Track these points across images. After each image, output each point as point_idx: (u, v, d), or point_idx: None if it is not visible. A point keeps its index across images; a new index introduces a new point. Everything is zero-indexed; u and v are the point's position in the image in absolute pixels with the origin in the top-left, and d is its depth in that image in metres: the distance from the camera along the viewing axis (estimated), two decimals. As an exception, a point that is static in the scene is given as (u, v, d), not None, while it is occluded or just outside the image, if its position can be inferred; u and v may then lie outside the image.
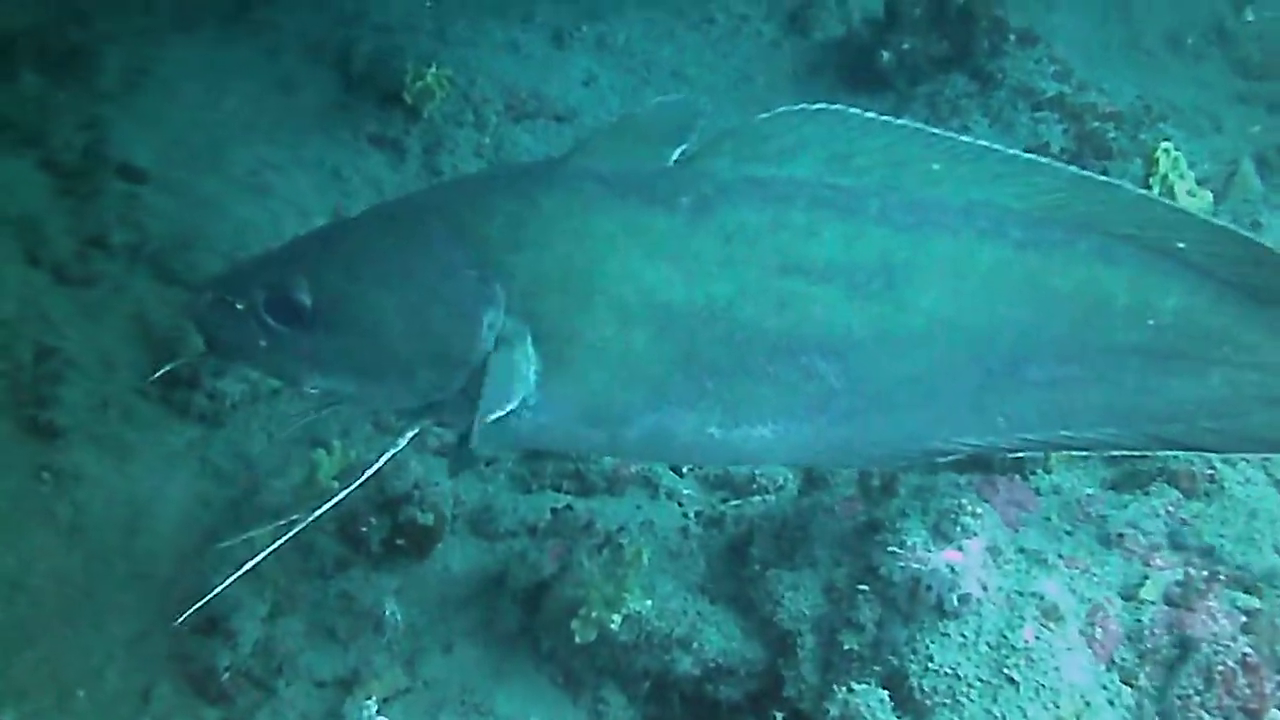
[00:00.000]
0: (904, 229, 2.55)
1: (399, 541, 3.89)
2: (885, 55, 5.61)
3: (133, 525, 4.20)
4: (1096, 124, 5.26)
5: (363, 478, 2.67)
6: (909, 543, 3.08)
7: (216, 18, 5.96)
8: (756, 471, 4.16)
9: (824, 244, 2.53)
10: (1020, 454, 2.82)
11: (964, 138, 2.62)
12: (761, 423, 2.62)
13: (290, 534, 2.60)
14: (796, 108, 2.56)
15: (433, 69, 5.44)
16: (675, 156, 2.59)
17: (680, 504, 4.17)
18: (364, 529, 3.89)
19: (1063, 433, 2.72)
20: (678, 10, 6.23)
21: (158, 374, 4.07)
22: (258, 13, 5.99)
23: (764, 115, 2.58)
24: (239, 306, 2.55)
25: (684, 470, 4.31)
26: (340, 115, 5.56)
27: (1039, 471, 3.52)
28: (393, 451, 2.65)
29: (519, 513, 4.08)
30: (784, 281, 2.52)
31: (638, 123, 2.63)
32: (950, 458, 2.75)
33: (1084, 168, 4.91)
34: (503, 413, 2.55)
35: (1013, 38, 5.54)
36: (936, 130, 2.62)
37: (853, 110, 2.57)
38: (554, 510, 3.94)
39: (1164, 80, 6.06)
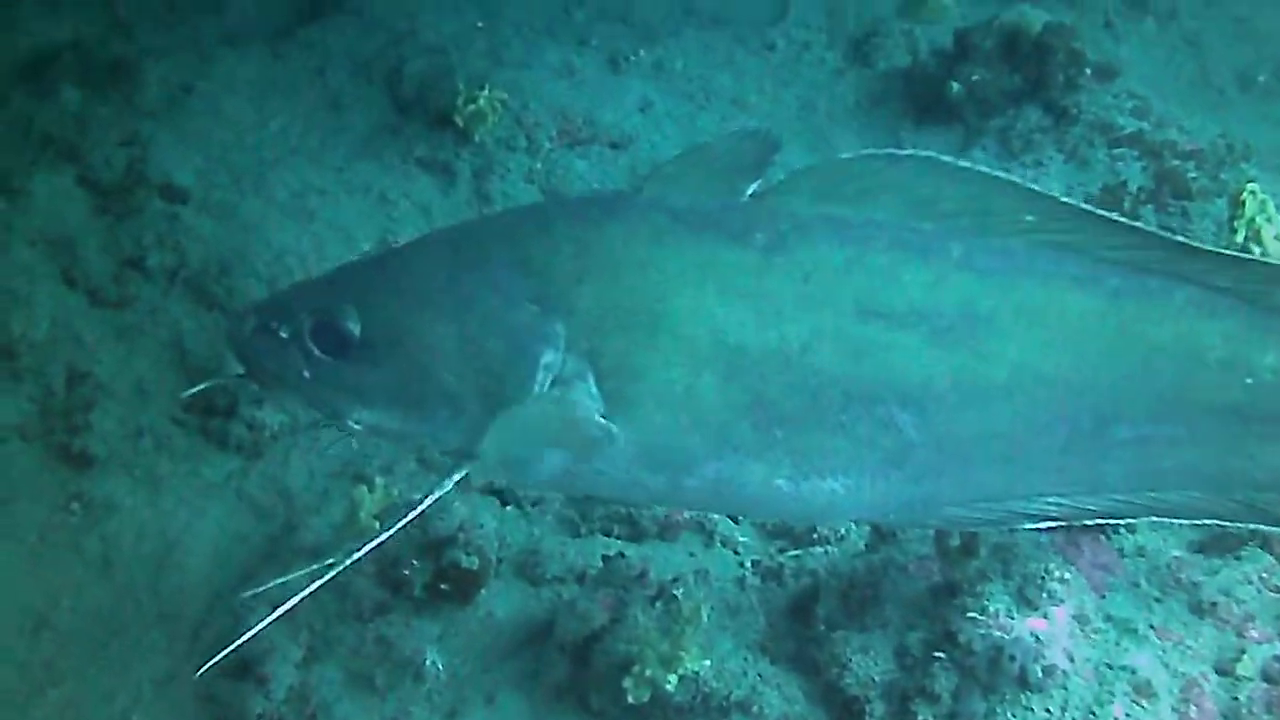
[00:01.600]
0: (989, 274, 2.45)
1: (442, 586, 3.76)
2: (954, 87, 5.44)
3: (164, 561, 4.14)
4: (1176, 162, 5.08)
5: (405, 519, 2.56)
6: (991, 608, 2.94)
7: (266, 34, 5.84)
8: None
9: (904, 288, 2.44)
10: (1105, 519, 2.67)
11: (1062, 197, 2.51)
12: (832, 476, 2.51)
13: (327, 577, 2.50)
14: (883, 151, 2.52)
15: (485, 91, 5.29)
16: (750, 190, 2.50)
17: (736, 552, 4.02)
18: (405, 572, 3.76)
19: (1150, 495, 2.60)
20: (737, 36, 6.08)
21: (190, 393, 4.04)
22: (308, 30, 5.85)
23: (847, 155, 2.52)
24: (282, 334, 2.45)
25: (739, 516, 4.13)
26: (389, 138, 5.42)
27: (1122, 530, 3.35)
28: (438, 493, 2.54)
29: (567, 557, 3.93)
30: (862, 326, 2.42)
31: (711, 153, 2.56)
32: (1031, 522, 2.62)
33: (1163, 207, 4.80)
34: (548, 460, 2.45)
35: (1089, 71, 5.35)
36: (1033, 186, 2.52)
37: (944, 158, 2.49)
38: (605, 558, 3.78)
39: (1237, 118, 5.86)
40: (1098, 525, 3.28)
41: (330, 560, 2.52)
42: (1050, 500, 2.58)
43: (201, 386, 3.80)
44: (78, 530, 4.17)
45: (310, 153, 5.33)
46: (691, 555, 3.94)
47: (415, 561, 3.76)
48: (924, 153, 2.51)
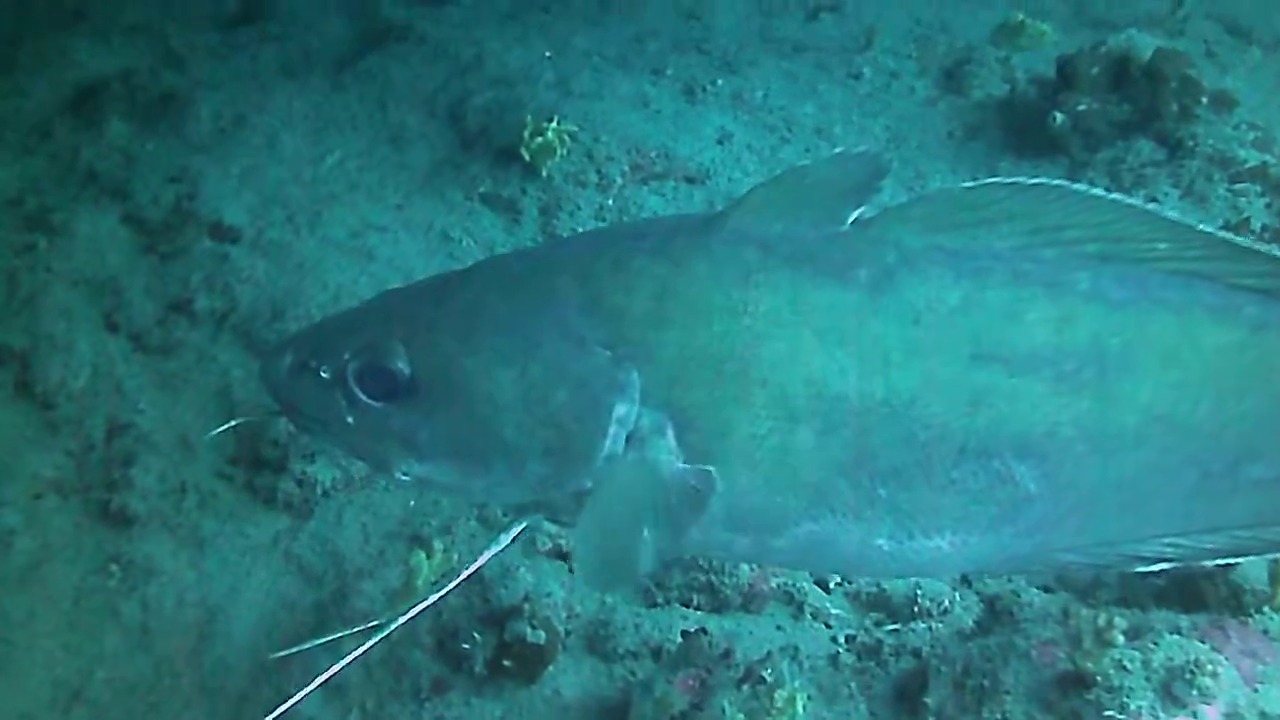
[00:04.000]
0: (1119, 307, 2.23)
1: (505, 662, 3.56)
2: (1058, 118, 5.13)
3: (206, 629, 3.92)
4: (1304, 199, 4.74)
5: (459, 580, 2.39)
6: (1133, 706, 2.72)
7: (325, 65, 5.62)
8: (918, 591, 3.70)
9: (1027, 327, 2.21)
10: (1225, 558, 2.43)
11: (1202, 225, 2.28)
12: (939, 534, 2.29)
13: (373, 641, 2.29)
14: (1007, 179, 2.24)
15: (553, 123, 5.03)
16: (853, 219, 2.24)
17: (828, 625, 3.77)
18: (465, 646, 3.58)
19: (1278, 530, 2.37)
20: (821, 64, 5.82)
21: (218, 431, 3.87)
22: (369, 61, 5.64)
23: (966, 185, 2.26)
24: (323, 374, 2.24)
25: (831, 584, 3.83)
26: (452, 173, 5.16)
27: (1266, 610, 3.10)
28: (493, 550, 2.34)
29: (641, 630, 3.69)
30: (979, 373, 2.20)
31: (810, 177, 2.28)
32: (1145, 565, 2.38)
33: (1290, 247, 4.44)
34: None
35: (1205, 100, 5.00)
36: (1171, 213, 2.29)
37: (1075, 185, 2.23)
38: (685, 632, 3.53)
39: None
40: (1234, 599, 3.13)
41: (376, 622, 2.33)
42: (1168, 541, 2.36)
43: (231, 424, 3.64)
44: (115, 595, 3.96)
45: (369, 189, 5.10)
46: (779, 629, 3.72)
47: (476, 634, 3.58)
48: (1053, 181, 2.25)
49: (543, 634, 3.53)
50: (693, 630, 3.51)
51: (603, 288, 2.22)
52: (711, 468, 2.21)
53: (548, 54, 5.66)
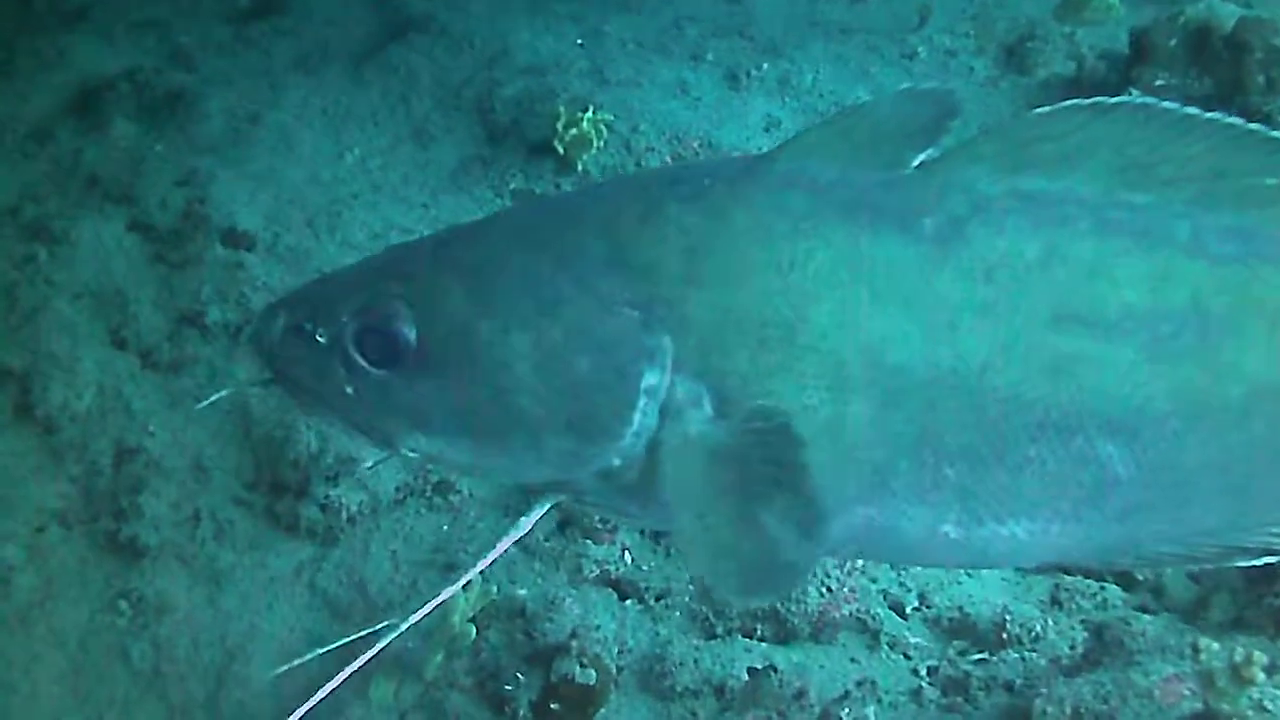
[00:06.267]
0: (1224, 262, 2.00)
1: (552, 705, 3.33)
2: (1133, 95, 4.77)
3: (224, 672, 3.65)
4: (1404, 176, 4.38)
5: (471, 573, 2.21)
6: None
7: (344, 58, 5.32)
8: (1006, 615, 3.39)
9: (1117, 285, 1.98)
10: None
11: None
12: (1014, 520, 2.04)
13: (379, 647, 2.12)
14: (1086, 101, 1.99)
15: (589, 113, 4.73)
16: (918, 162, 2.00)
17: (907, 656, 3.50)
18: (508, 687, 3.36)
19: None
20: (871, 45, 5.51)
21: (206, 403, 3.65)
22: (390, 52, 5.32)
23: (1041, 110, 2.00)
24: (320, 338, 2.01)
25: (908, 608, 3.52)
26: (480, 169, 4.85)
27: None
28: (513, 536, 2.11)
29: (701, 665, 3.43)
30: (1060, 337, 1.97)
31: (869, 116, 2.05)
32: (1249, 558, 2.13)
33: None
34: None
35: (1294, 72, 4.68)
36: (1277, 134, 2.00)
37: (1164, 104, 1.98)
38: (751, 670, 3.24)
39: None
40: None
41: (387, 622, 2.14)
42: (1276, 531, 2.12)
43: (220, 394, 3.52)
44: (125, 634, 3.69)
45: (393, 188, 4.80)
46: (854, 661, 3.45)
47: (519, 675, 3.37)
48: (1138, 99, 2.00)
49: (593, 672, 3.31)
50: (760, 666, 3.26)
51: (631, 240, 1.98)
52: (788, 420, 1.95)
53: (580, 41, 5.35)
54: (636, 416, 1.96)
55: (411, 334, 1.98)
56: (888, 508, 2.02)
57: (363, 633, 2.23)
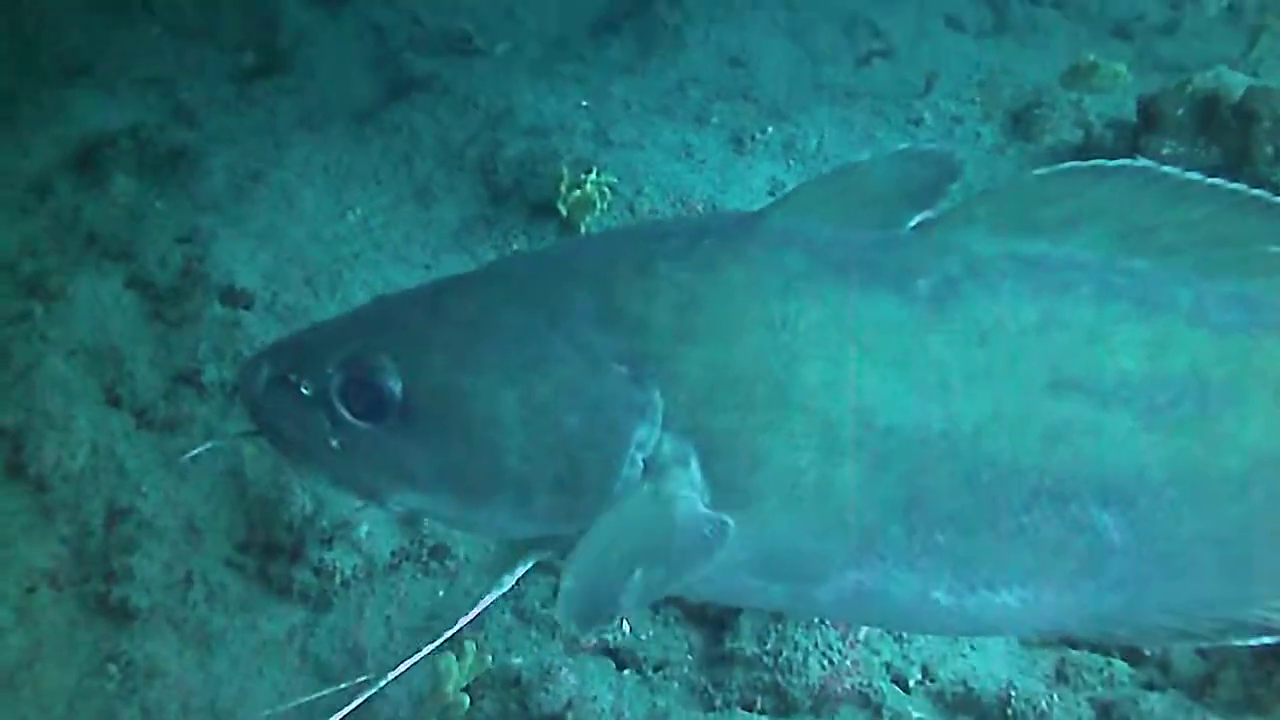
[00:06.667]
0: (1226, 331, 1.98)
1: None
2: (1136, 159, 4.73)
3: None
4: None
5: (455, 628, 2.26)
6: None
7: (346, 118, 5.27)
8: (1011, 690, 3.32)
9: (1114, 351, 1.96)
10: None
11: None
12: (1006, 588, 2.01)
13: (360, 700, 2.24)
14: (1086, 164, 1.99)
15: (592, 175, 4.68)
16: (915, 222, 1.98)
17: None
18: None
19: None
20: (876, 110, 5.48)
21: (192, 454, 3.56)
22: (392, 111, 5.28)
23: (1040, 172, 1.99)
24: (304, 389, 1.98)
25: (911, 682, 3.44)
26: (483, 229, 4.80)
27: None
28: (495, 594, 2.19)
29: None
30: (1057, 403, 1.94)
31: (866, 174, 2.04)
32: (1252, 637, 2.07)
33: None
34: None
35: (1302, 142, 4.64)
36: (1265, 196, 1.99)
37: (1166, 169, 1.98)
38: None
39: None
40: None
41: (364, 678, 2.26)
42: (1275, 606, 2.06)
43: (205, 446, 3.47)
44: (114, 699, 3.56)
45: (394, 247, 4.73)
46: None
47: None
48: (1139, 162, 1.99)
49: None
50: (760, 741, 3.16)
51: (621, 295, 1.95)
52: (729, 519, 1.93)
53: (584, 103, 5.32)
54: (624, 471, 1.93)
55: (397, 387, 1.94)
56: (878, 573, 1.98)
57: (342, 685, 2.20)
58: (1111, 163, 1.98)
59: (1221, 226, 1.98)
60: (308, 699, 2.39)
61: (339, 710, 2.08)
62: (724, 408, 1.93)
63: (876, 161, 2.06)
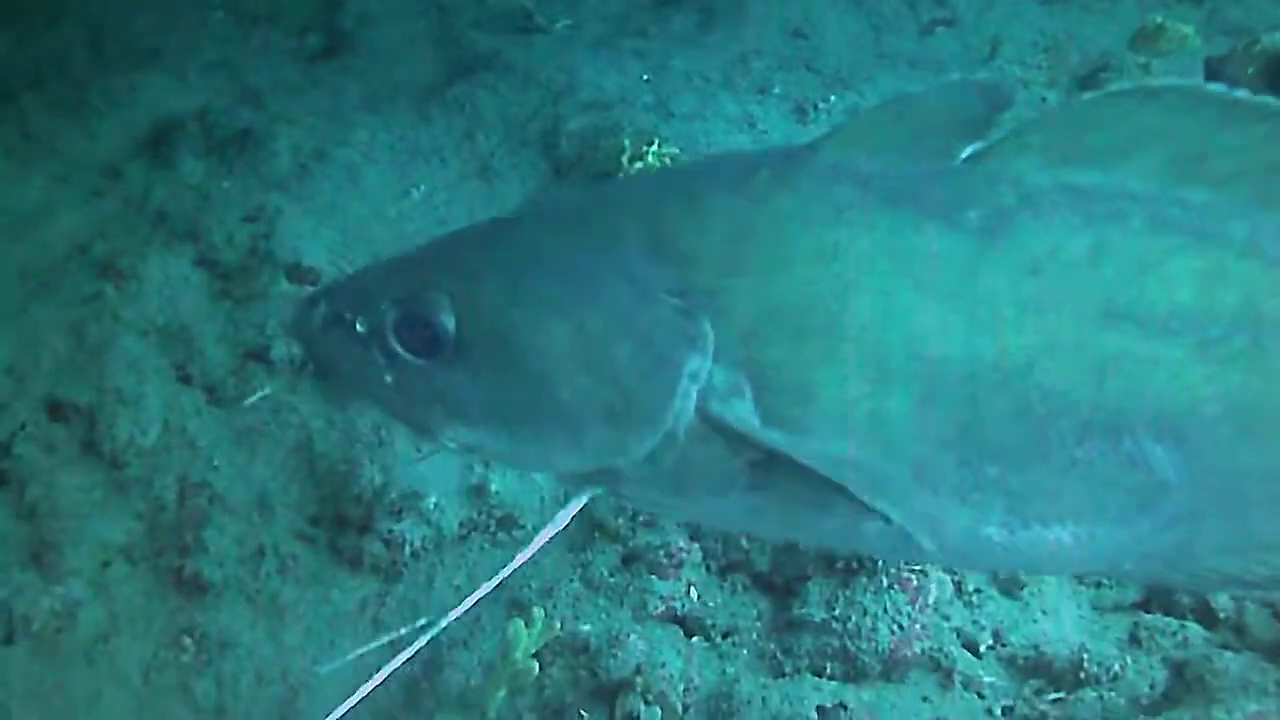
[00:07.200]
0: (1279, 264, 1.92)
1: None
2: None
3: (288, 708, 3.60)
4: None
5: (512, 567, 2.28)
6: None
7: (409, 97, 5.29)
8: (1083, 654, 3.28)
9: (1167, 283, 1.91)
10: None
11: None
12: (1060, 523, 1.97)
13: (420, 644, 2.19)
14: (1133, 85, 1.94)
15: (654, 147, 4.67)
16: (966, 154, 1.94)
17: (981, 695, 3.38)
18: None
19: None
20: (943, 72, 5.38)
21: (252, 399, 3.68)
22: (456, 89, 5.31)
23: (1088, 96, 1.95)
24: (359, 327, 1.99)
25: (982, 646, 3.41)
26: (547, 204, 4.76)
27: None
28: (553, 529, 2.17)
29: (769, 704, 3.33)
30: (1109, 334, 1.90)
31: (918, 107, 2.00)
32: None
33: None
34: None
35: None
36: None
37: (1212, 87, 1.91)
38: (821, 709, 3.20)
39: None
40: None
41: (423, 621, 2.29)
42: None
43: (263, 392, 3.57)
44: (189, 670, 3.63)
45: (458, 224, 4.68)
46: (926, 700, 3.35)
47: (584, 712, 3.30)
48: (1183, 82, 1.93)
49: (658, 710, 3.25)
50: (830, 706, 3.19)
51: (672, 227, 1.94)
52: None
53: (645, 77, 5.31)
54: (677, 403, 1.93)
55: (450, 323, 1.95)
56: (928, 506, 1.96)
57: (402, 630, 2.20)
58: (1158, 83, 1.95)
59: (1274, 152, 1.94)
60: (357, 653, 2.38)
61: (401, 652, 2.10)
62: (774, 339, 1.92)
63: (928, 93, 2.04)
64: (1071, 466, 1.92)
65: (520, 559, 2.14)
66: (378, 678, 2.15)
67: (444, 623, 2.07)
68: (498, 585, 3.72)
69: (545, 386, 1.93)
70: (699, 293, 1.91)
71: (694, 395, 1.91)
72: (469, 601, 2.05)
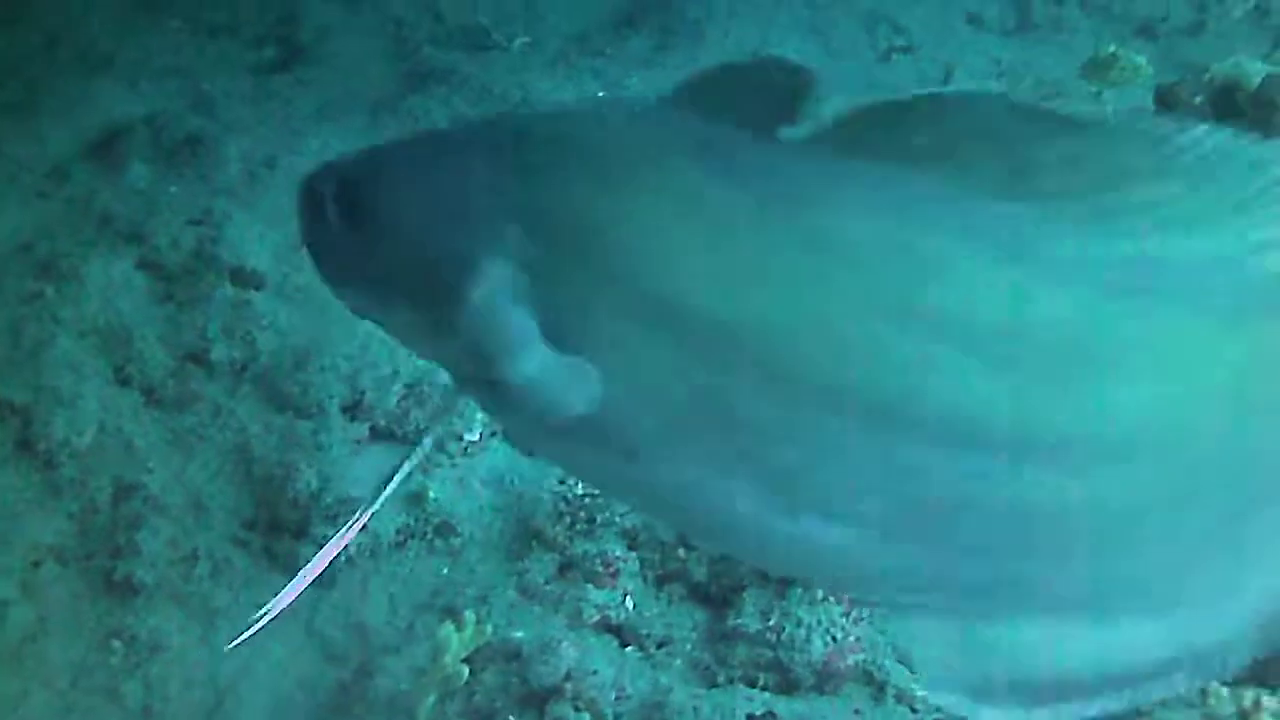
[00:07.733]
0: (1108, 291, 1.73)
1: None
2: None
3: (214, 713, 3.54)
4: None
5: (404, 470, 2.43)
6: None
7: (364, 107, 5.30)
8: None
9: (970, 291, 1.74)
10: None
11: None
12: (840, 522, 1.77)
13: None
14: (950, 89, 1.85)
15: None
16: (781, 129, 1.87)
17: (914, 709, 3.35)
18: None
19: None
20: (896, 101, 5.41)
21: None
22: (410, 101, 5.31)
23: (917, 93, 1.87)
24: (320, 191, 2.06)
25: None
26: (495, 216, 4.76)
27: None
28: (429, 441, 2.33)
29: (701, 714, 3.29)
30: (891, 330, 1.74)
31: (737, 76, 2.02)
32: None
33: None
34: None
35: (1323, 129, 4.56)
36: (1168, 126, 1.74)
37: (1028, 101, 1.97)
38: (751, 716, 3.17)
39: None
40: None
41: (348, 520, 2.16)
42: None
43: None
44: (117, 673, 3.57)
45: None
46: (858, 713, 3.33)
47: (513, 718, 3.27)
48: (1009, 96, 1.92)
49: (588, 716, 3.22)
50: (760, 715, 3.17)
51: (507, 145, 1.95)
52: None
53: (600, 94, 5.33)
54: (479, 279, 1.89)
55: (365, 198, 2.00)
56: (683, 463, 1.85)
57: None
58: (981, 93, 1.92)
59: (1096, 168, 1.77)
60: (282, 594, 2.37)
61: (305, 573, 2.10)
62: (562, 263, 1.89)
63: (747, 65, 2.07)
64: (839, 460, 1.79)
65: (407, 468, 2.10)
66: (300, 578, 2.19)
67: (335, 537, 2.08)
68: (430, 592, 3.73)
69: (395, 260, 1.97)
70: (508, 201, 1.92)
71: (493, 278, 1.89)
72: (357, 518, 2.06)
